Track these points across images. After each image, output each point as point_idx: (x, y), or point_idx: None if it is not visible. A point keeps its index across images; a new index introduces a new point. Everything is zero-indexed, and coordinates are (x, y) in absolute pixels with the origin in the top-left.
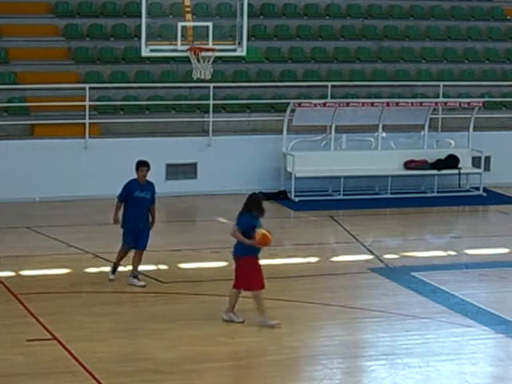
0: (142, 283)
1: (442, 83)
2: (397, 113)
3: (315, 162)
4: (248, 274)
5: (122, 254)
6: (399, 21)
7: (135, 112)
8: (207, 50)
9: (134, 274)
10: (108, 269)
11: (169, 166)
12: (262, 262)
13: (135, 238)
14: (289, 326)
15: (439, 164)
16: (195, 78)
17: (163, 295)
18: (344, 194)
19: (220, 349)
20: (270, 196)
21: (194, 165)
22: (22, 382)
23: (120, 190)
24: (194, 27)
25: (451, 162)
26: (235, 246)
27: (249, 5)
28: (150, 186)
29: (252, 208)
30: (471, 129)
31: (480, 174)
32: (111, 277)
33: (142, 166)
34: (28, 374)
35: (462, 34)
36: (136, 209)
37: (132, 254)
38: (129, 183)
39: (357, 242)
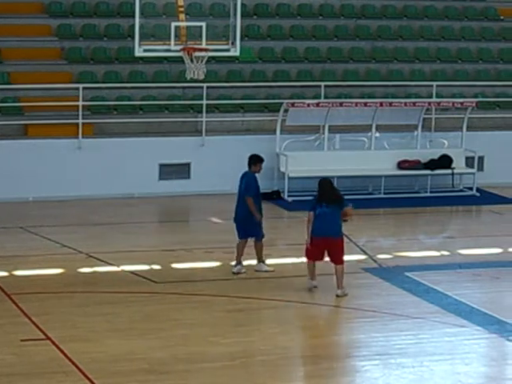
0: (271, 268)
1: (435, 83)
2: (390, 113)
3: (308, 162)
4: (343, 251)
5: (261, 246)
6: (393, 21)
7: (128, 112)
8: (200, 49)
9: (262, 259)
10: (102, 269)
11: (162, 166)
12: (255, 261)
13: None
14: (282, 325)
15: (432, 164)
16: (189, 78)
17: (156, 295)
18: None
19: (213, 349)
20: (263, 196)
21: (188, 165)
22: (15, 382)
23: (247, 186)
24: (188, 27)
25: (444, 162)
26: (335, 226)
27: (242, 5)
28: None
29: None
30: (464, 129)
31: (473, 174)
32: (269, 268)
33: (261, 162)
34: (21, 373)
35: (455, 34)
36: (259, 200)
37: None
38: (252, 178)
39: (350, 242)
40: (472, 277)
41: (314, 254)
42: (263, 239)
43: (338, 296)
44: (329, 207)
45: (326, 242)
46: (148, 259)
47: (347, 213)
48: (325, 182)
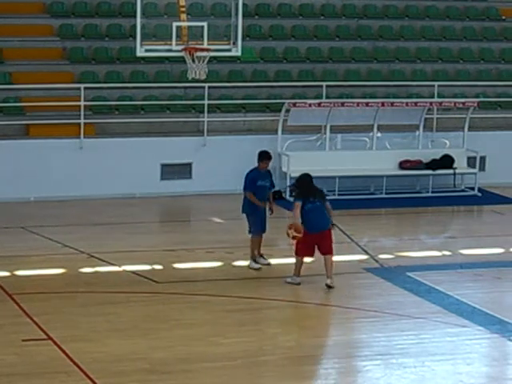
0: (268, 261)
1: (436, 83)
2: (392, 113)
3: (310, 161)
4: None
5: (259, 241)
6: (394, 21)
7: (130, 112)
8: (202, 49)
9: (260, 254)
10: (103, 269)
11: (164, 165)
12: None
13: (263, 223)
14: (283, 325)
15: (434, 164)
16: (190, 78)
17: (158, 295)
18: (339, 194)
19: (214, 349)
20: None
21: (189, 165)
22: (16, 382)
23: (244, 182)
24: (189, 27)
25: (446, 162)
26: (326, 219)
27: (244, 5)
28: (268, 175)
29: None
30: (466, 129)
31: (475, 174)
32: (257, 266)
33: (267, 159)
34: (23, 373)
35: (456, 34)
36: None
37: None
38: (252, 174)
39: (352, 241)
40: (474, 277)
41: (306, 250)
42: (259, 234)
43: (328, 286)
44: (315, 201)
45: (320, 236)
46: (149, 259)
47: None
48: (306, 177)
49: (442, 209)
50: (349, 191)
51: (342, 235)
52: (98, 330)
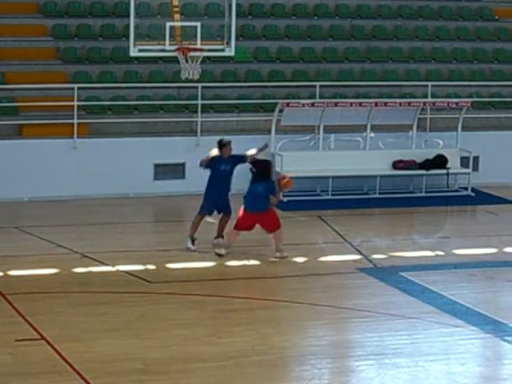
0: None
1: (430, 83)
2: (385, 113)
3: (303, 161)
4: None
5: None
6: (388, 21)
7: (123, 112)
8: (195, 50)
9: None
10: (96, 269)
11: (157, 165)
12: (250, 262)
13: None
14: (277, 326)
15: (427, 164)
16: (183, 78)
17: (151, 295)
18: (332, 194)
19: (208, 349)
20: None
21: (183, 165)
22: (9, 382)
23: None
24: (183, 27)
25: (439, 162)
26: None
27: (237, 5)
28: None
29: None
30: (459, 129)
31: (468, 174)
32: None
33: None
34: (16, 373)
35: (450, 34)
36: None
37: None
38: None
39: (345, 242)
40: (467, 277)
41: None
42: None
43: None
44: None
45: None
46: (143, 259)
47: None
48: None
49: (436, 209)
50: (342, 191)
51: (335, 235)
52: (92, 329)
